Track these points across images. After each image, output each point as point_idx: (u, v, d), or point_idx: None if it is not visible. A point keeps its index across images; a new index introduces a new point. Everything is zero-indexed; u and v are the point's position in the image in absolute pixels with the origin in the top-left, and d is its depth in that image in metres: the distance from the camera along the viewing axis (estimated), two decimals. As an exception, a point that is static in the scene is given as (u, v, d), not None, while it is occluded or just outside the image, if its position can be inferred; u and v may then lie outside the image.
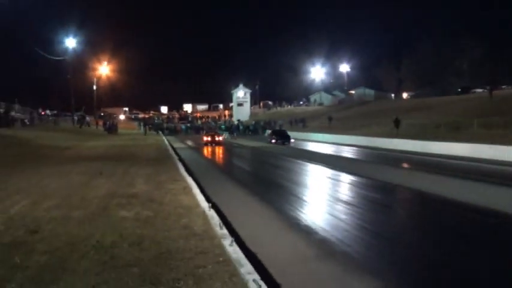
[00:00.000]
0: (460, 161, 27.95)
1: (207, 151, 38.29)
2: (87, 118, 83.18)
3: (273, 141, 50.94)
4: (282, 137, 50.91)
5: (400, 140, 40.68)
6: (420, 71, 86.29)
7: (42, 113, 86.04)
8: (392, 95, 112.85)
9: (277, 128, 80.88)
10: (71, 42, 70.84)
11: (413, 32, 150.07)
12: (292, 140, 50.12)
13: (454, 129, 43.58)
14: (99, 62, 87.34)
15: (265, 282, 6.56)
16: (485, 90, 70.04)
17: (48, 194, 13.84)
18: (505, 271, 8.10)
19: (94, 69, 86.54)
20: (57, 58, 67.68)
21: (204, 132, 55.33)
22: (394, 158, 31.09)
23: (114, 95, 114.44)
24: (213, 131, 56.20)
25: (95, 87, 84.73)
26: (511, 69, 62.49)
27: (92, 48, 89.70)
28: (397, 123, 48.61)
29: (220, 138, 48.10)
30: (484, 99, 60.98)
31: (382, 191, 17.74)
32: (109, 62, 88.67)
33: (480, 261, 8.68)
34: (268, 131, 79.75)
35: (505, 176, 21.12)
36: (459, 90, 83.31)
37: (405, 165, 27.60)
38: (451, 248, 9.61)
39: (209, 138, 46.01)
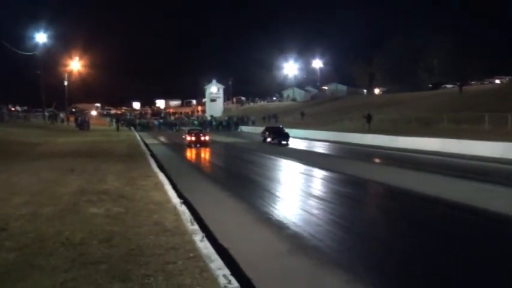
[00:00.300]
0: (431, 155, 28.28)
1: (180, 147, 38.03)
2: (61, 114, 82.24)
3: (268, 140, 43.44)
4: (279, 135, 42.85)
5: (371, 135, 41.05)
6: (391, 67, 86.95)
7: (12, 109, 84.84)
8: (365, 90, 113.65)
9: (250, 124, 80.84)
10: (41, 37, 69.81)
11: (385, 28, 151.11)
12: (290, 139, 42.68)
13: (424, 124, 44.12)
14: (71, 57, 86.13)
15: (236, 277, 6.55)
16: (456, 86, 71.04)
17: (17, 191, 13.63)
18: (474, 264, 8.21)
19: (65, 65, 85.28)
20: (26, 53, 66.65)
21: (186, 130, 44.57)
22: (365, 153, 31.34)
23: (86, 91, 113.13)
24: (197, 129, 46.87)
25: (66, 83, 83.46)
26: (480, 66, 63.44)
27: (64, 43, 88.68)
28: (368, 118, 49.02)
29: (207, 138, 38.53)
30: (454, 95, 61.93)
31: (354, 186, 17.88)
32: (80, 58, 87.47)
33: (450, 254, 8.78)
34: (241, 127, 79.71)
35: (473, 170, 21.43)
36: (430, 86, 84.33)
37: (376, 160, 27.86)
38: (421, 241, 9.72)
39: (193, 138, 37.35)
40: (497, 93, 54.06)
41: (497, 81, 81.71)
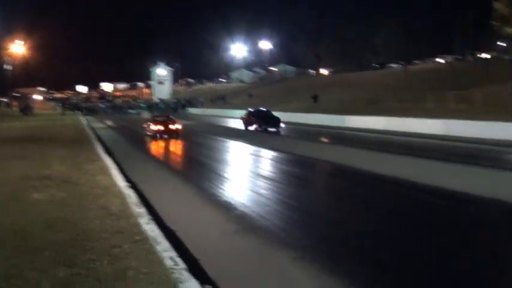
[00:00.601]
0: (377, 134, 28.82)
1: (127, 130, 37.50)
2: (6, 99, 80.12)
3: (253, 127, 34.56)
4: (267, 121, 33.86)
5: (319, 115, 41.47)
6: (339, 48, 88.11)
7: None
8: (313, 71, 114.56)
9: (199, 106, 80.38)
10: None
11: (332, 10, 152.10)
12: (283, 125, 33.85)
13: (370, 103, 44.86)
14: (13, 40, 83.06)
15: (183, 259, 6.53)
16: (400, 65, 72.52)
17: (-44, 179, 13.17)
18: (421, 239, 8.40)
19: (6, 48, 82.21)
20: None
21: (151, 116, 34.36)
22: (314, 133, 31.65)
23: (29, 75, 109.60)
24: (164, 115, 34.90)
25: (8, 67, 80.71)
26: (424, 46, 65.15)
27: (5, 26, 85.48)
28: (315, 98, 49.55)
29: (179, 126, 29.70)
30: (399, 74, 63.16)
31: (302, 166, 18.08)
32: (24, 41, 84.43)
33: (395, 229, 8.99)
34: (190, 109, 79.07)
35: (418, 147, 21.97)
36: (376, 65, 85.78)
37: (324, 139, 28.18)
38: (367, 218, 9.91)
39: (161, 127, 28.77)
40: (440, 72, 55.52)
41: (441, 60, 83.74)
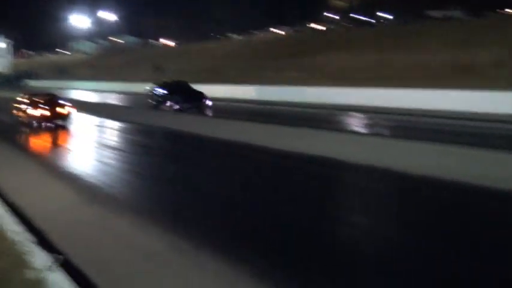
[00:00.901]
0: (224, 102, 29.58)
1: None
2: None
3: (168, 105, 25.93)
4: (188, 98, 25.69)
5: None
6: (182, 18, 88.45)
7: None
8: (156, 42, 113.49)
9: (40, 78, 76.36)
10: None
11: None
12: (209, 103, 25.73)
13: (214, 73, 45.54)
14: None
15: (30, 232, 6.58)
16: (241, 36, 74.41)
17: None
18: (249, 190, 9.11)
19: None
20: None
21: (26, 95, 22.34)
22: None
23: None
24: (48, 94, 23.33)
25: None
26: (263, 15, 67.31)
27: None
28: (158, 69, 49.70)
29: (71, 109, 20.76)
30: (240, 45, 64.62)
31: (146, 135, 18.29)
32: None
33: (238, 188, 9.61)
34: (29, 82, 74.70)
35: (262, 113, 23.10)
36: (218, 36, 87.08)
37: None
38: (214, 180, 10.46)
39: (45, 112, 19.87)
40: (278, 42, 57.76)
41: (278, 31, 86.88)
